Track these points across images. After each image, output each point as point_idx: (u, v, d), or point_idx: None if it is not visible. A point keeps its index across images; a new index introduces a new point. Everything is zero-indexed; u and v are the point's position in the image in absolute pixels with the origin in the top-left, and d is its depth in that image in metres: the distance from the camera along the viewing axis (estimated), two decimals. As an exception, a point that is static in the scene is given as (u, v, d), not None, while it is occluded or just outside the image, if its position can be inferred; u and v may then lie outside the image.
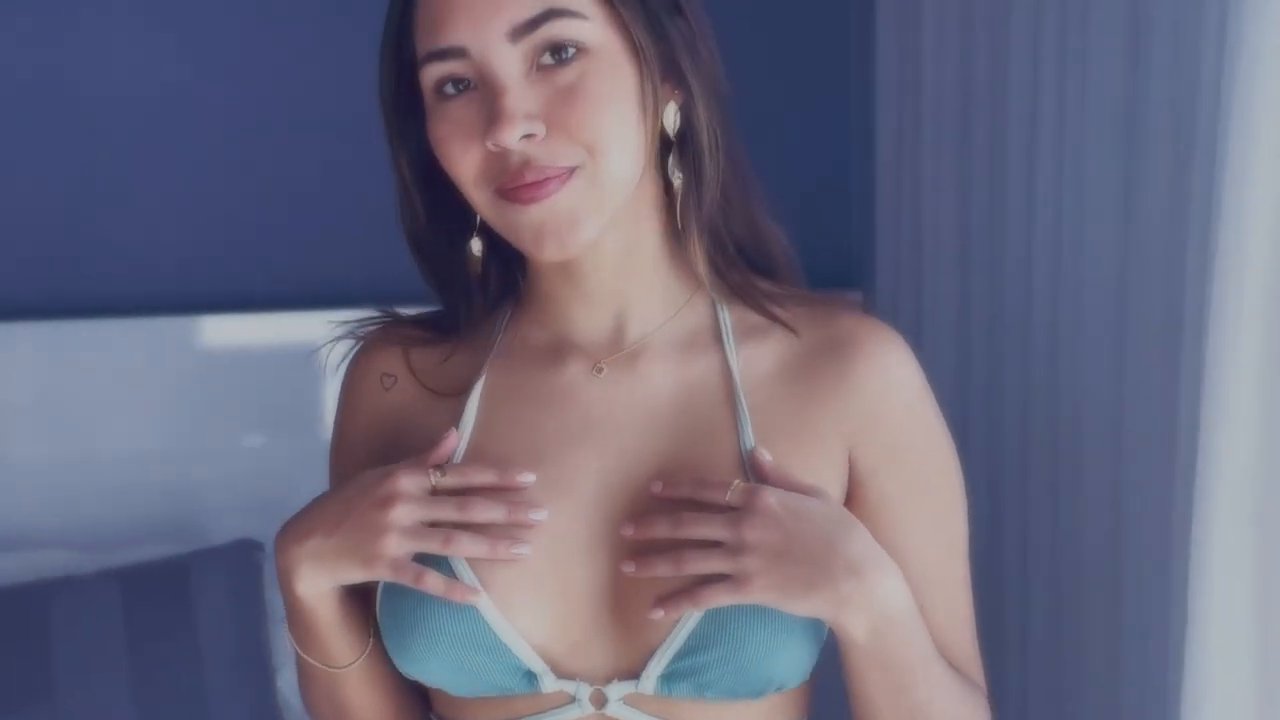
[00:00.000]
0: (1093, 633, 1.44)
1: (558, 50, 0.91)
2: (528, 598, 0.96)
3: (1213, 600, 1.09)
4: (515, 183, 0.91)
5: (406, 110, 0.97)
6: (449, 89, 0.93)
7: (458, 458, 1.00)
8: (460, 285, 1.03)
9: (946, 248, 1.80)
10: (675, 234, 1.00)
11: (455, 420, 1.01)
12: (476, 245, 1.00)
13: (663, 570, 0.92)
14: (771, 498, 0.92)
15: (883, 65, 2.03)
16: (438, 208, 1.00)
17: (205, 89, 2.10)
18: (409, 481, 0.94)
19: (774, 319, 1.00)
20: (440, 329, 1.06)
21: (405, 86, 0.97)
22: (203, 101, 2.10)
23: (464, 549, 0.93)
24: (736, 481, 0.93)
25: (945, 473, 1.02)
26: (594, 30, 0.91)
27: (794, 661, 0.95)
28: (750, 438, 0.97)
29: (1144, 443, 1.32)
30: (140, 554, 1.94)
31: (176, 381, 2.07)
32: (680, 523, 0.93)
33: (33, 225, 2.10)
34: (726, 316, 1.01)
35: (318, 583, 0.96)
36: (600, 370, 1.01)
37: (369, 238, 1.10)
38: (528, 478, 0.96)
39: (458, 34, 0.91)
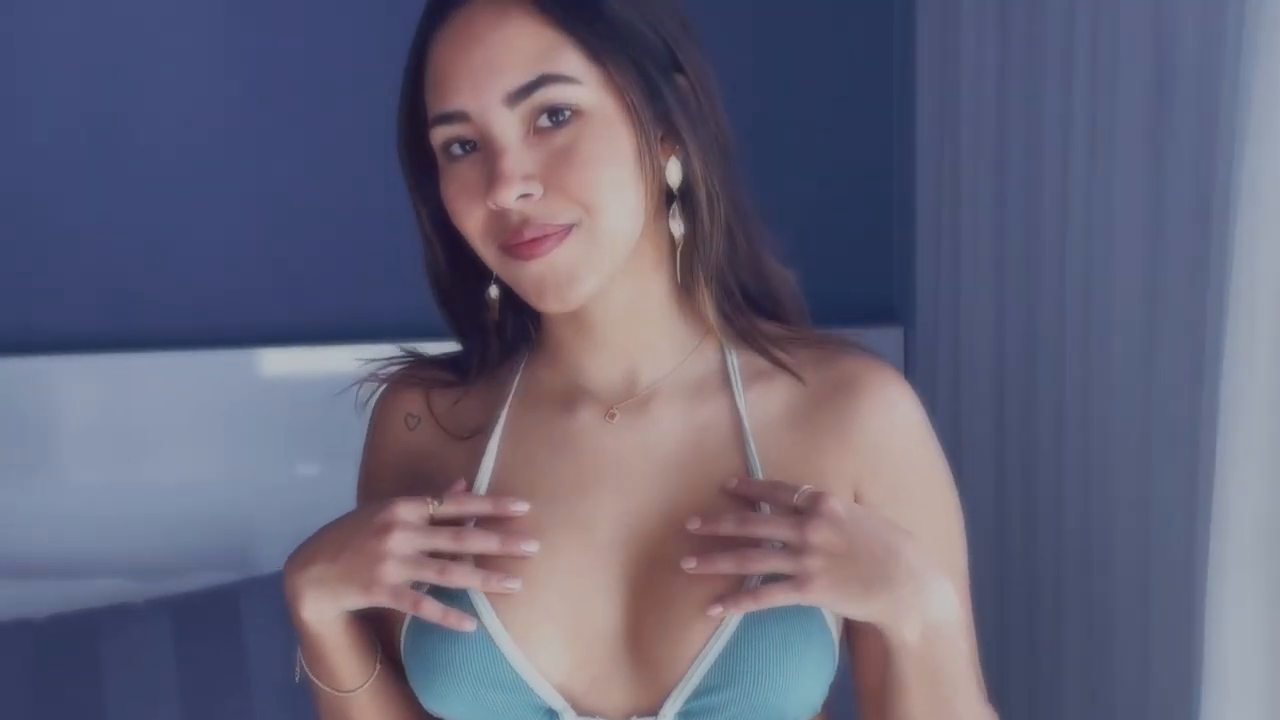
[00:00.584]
0: (1123, 639, 1.48)
1: (554, 113, 0.95)
2: (547, 636, 0.99)
3: (1227, 599, 1.14)
4: (516, 239, 0.95)
5: (423, 167, 1.02)
6: (455, 149, 0.97)
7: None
8: (479, 329, 1.08)
9: (983, 284, 1.88)
10: (683, 282, 1.03)
11: (476, 461, 1.06)
12: (494, 291, 1.04)
13: (725, 567, 0.95)
14: (837, 503, 0.94)
15: (922, 120, 2.13)
16: (457, 256, 1.04)
17: (261, 135, 2.21)
18: (407, 510, 0.98)
19: (779, 364, 1.03)
20: (458, 371, 1.10)
21: (420, 145, 1.01)
22: (258, 147, 2.21)
23: (458, 580, 0.97)
24: (806, 486, 0.96)
25: (945, 508, 1.05)
26: (588, 93, 0.95)
27: (808, 697, 0.99)
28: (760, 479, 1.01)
29: (1170, 462, 1.36)
30: (192, 582, 1.99)
31: (230, 412, 2.13)
32: (747, 521, 0.96)
33: (95, 262, 2.21)
34: (735, 361, 1.05)
35: (322, 608, 1.01)
36: (613, 416, 1.04)
37: (418, 275, 1.14)
38: (521, 507, 1.00)
39: (460, 99, 0.95)
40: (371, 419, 1.13)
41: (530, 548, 0.98)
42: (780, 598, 0.94)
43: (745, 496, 0.99)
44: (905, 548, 0.95)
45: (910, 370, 2.57)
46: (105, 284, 2.21)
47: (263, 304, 2.19)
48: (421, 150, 1.02)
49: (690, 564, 0.96)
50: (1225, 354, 1.15)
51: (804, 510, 0.95)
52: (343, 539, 0.99)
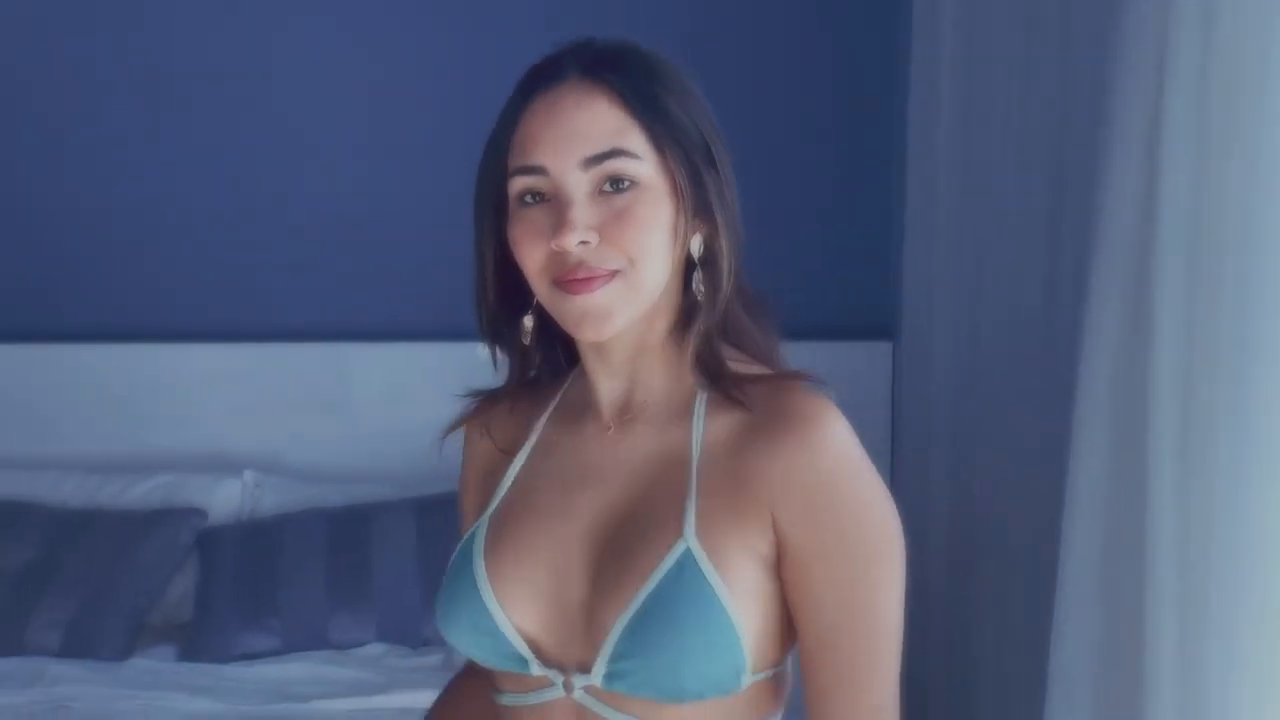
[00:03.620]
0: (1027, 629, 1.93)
1: (617, 181, 1.11)
2: (525, 599, 1.16)
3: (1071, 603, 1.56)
4: (570, 276, 1.10)
5: (494, 211, 1.16)
6: (529, 199, 1.12)
7: (493, 505, 1.22)
8: (517, 354, 1.24)
9: (950, 309, 2.39)
10: (681, 326, 1.17)
11: (509, 466, 1.24)
12: (528, 322, 1.19)
13: None
14: None
15: (912, 165, 2.59)
16: (504, 293, 1.20)
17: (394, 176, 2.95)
18: None
19: (736, 401, 1.13)
20: (509, 395, 1.27)
21: (495, 192, 1.15)
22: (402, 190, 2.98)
23: None
24: None
25: (865, 532, 1.10)
26: (647, 170, 1.11)
27: (707, 676, 1.09)
28: (695, 496, 1.12)
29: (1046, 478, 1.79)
30: (432, 489, 2.79)
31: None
32: None
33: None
34: (703, 395, 1.16)
35: None
36: (609, 429, 1.19)
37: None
38: None
39: (544, 157, 1.11)
40: (464, 436, 1.31)
41: None
42: None
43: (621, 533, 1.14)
44: None
45: (896, 379, 3.02)
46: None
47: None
48: (492, 197, 1.16)
49: None
50: (1078, 380, 1.53)
51: None
52: None
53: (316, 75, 3.09)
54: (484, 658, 1.18)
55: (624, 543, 1.13)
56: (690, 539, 1.10)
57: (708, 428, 1.14)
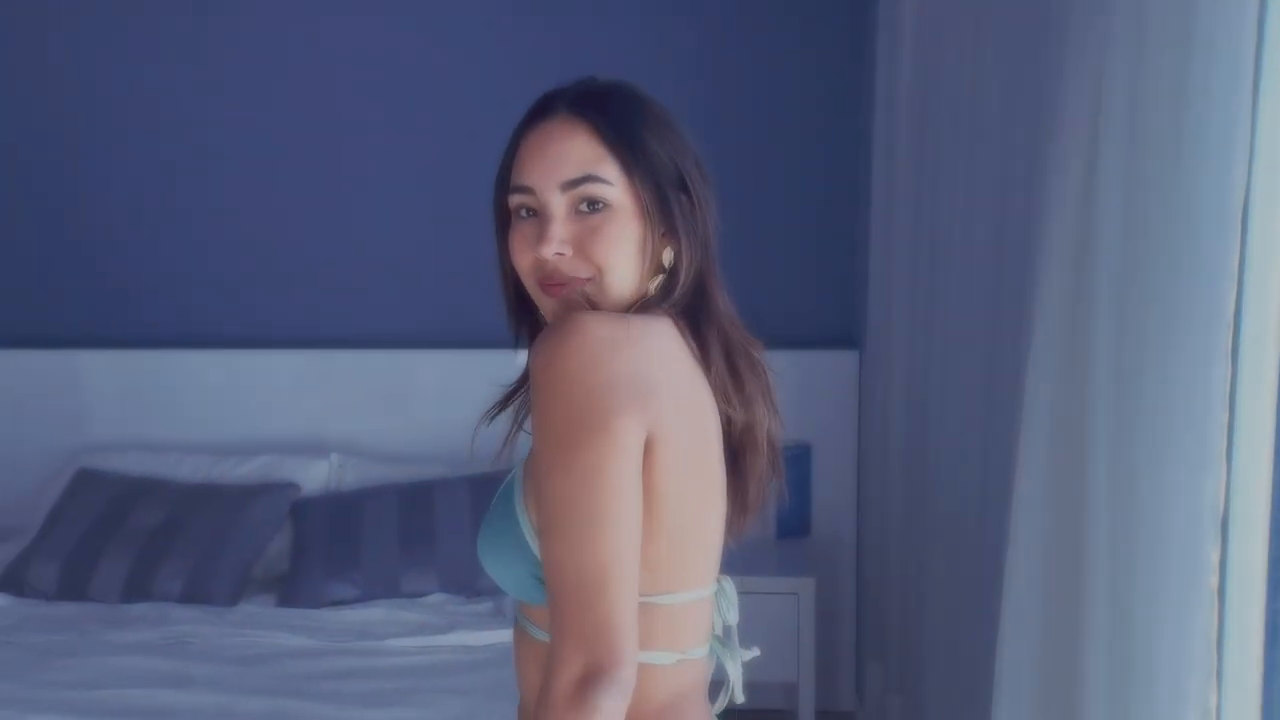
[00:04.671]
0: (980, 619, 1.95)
1: (592, 203, 1.21)
2: None
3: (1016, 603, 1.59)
4: (549, 281, 1.23)
5: (505, 221, 1.28)
6: (523, 213, 1.24)
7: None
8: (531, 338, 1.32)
9: (908, 319, 2.58)
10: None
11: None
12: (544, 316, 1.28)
13: None
14: None
15: (876, 186, 2.77)
16: (522, 291, 1.30)
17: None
18: None
19: None
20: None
21: (503, 206, 1.28)
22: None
23: None
24: None
25: (540, 440, 1.14)
26: (617, 193, 1.22)
27: (508, 576, 1.22)
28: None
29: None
30: (481, 469, 3.10)
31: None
32: None
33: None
34: None
35: None
36: None
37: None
38: None
39: (531, 178, 1.23)
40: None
41: None
42: None
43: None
44: None
45: (862, 384, 3.15)
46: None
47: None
48: (502, 209, 1.28)
49: None
50: (1024, 389, 1.54)
51: None
52: None
53: (379, 103, 3.42)
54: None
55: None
56: (518, 467, 1.24)
57: None
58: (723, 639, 1.33)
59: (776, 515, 3.26)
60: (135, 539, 3.12)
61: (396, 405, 3.53)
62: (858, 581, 3.45)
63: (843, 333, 3.32)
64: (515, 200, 1.25)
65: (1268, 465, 1.35)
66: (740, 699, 1.33)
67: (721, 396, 1.27)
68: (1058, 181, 1.54)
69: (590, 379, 1.11)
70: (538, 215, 1.24)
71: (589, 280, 1.23)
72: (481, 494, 3.15)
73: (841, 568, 3.45)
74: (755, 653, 1.34)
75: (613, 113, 1.24)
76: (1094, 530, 1.48)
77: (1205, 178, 1.31)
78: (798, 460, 3.31)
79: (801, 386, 3.07)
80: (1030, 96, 1.80)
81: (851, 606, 3.48)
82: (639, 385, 1.14)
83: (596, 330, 1.14)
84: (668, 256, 1.26)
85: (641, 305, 1.24)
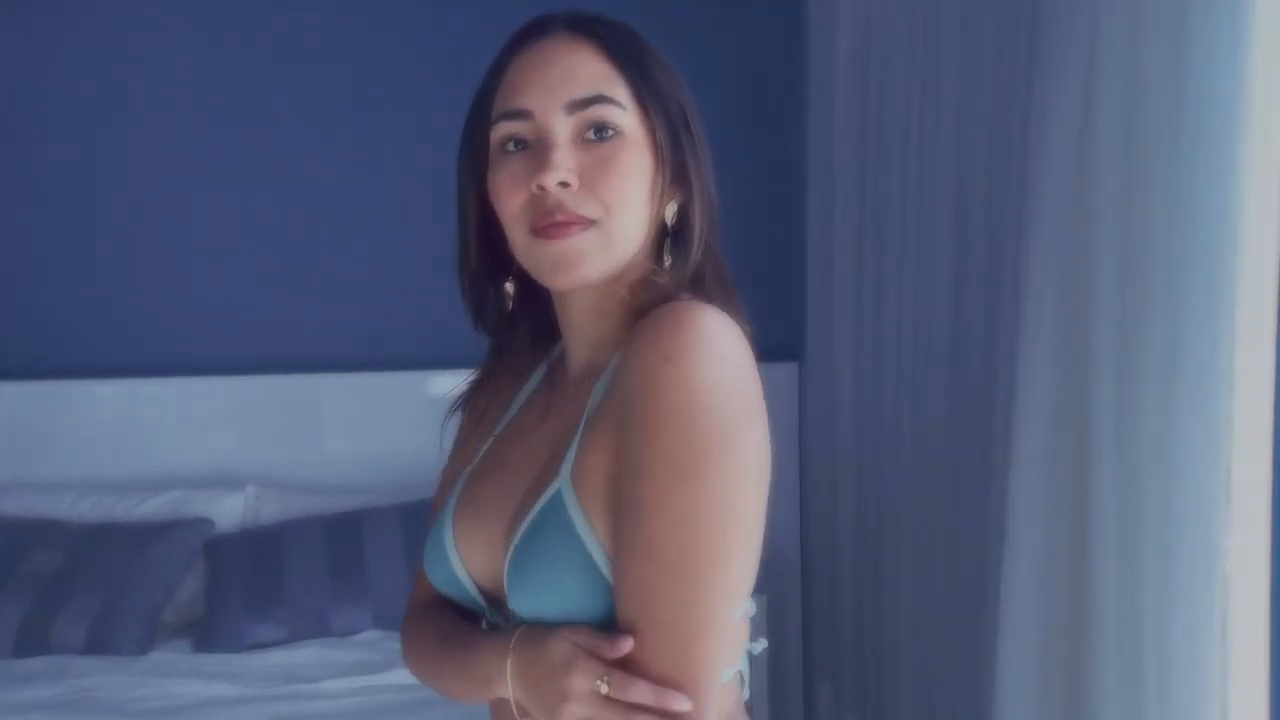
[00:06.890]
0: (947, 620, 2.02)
1: (601, 129, 1.06)
2: (480, 549, 1.14)
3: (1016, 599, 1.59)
4: (546, 221, 1.04)
5: (475, 164, 1.12)
6: (511, 146, 1.08)
7: (470, 466, 1.20)
8: (496, 321, 1.19)
9: (851, 330, 2.60)
10: (634, 295, 1.09)
11: (492, 429, 1.22)
12: (510, 286, 1.15)
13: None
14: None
15: (812, 196, 2.79)
16: (486, 255, 1.15)
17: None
18: (582, 681, 0.99)
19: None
20: (491, 370, 1.24)
21: (478, 144, 1.11)
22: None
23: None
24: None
25: (648, 458, 0.98)
26: (630, 120, 1.07)
27: (567, 609, 1.04)
28: (578, 440, 1.05)
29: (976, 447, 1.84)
30: (414, 495, 3.09)
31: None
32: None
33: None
34: (618, 357, 1.06)
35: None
36: (560, 386, 1.17)
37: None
38: (683, 704, 0.98)
39: (530, 101, 1.07)
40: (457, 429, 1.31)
41: (681, 705, 0.98)
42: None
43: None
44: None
45: (803, 397, 3.13)
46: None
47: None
48: (475, 149, 1.11)
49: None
50: (1016, 391, 1.55)
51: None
52: (535, 676, 1.03)
53: (282, 122, 3.30)
54: (459, 601, 1.18)
55: (535, 493, 1.07)
56: (564, 480, 1.04)
57: (604, 390, 1.07)
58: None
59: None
60: (28, 586, 2.86)
61: (312, 432, 3.38)
62: (803, 599, 3.37)
63: (779, 345, 3.29)
64: (504, 130, 1.09)
65: (1267, 450, 1.36)
66: (746, 695, 1.21)
67: None
68: (1049, 165, 1.52)
69: (718, 390, 0.98)
70: (531, 147, 1.08)
71: (594, 223, 1.06)
72: (414, 522, 3.00)
73: (787, 586, 3.36)
74: (764, 644, 1.22)
75: (619, 34, 1.11)
76: (1100, 529, 1.45)
77: (1200, 172, 1.32)
78: (738, 477, 3.22)
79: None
80: (994, 82, 1.76)
81: (798, 625, 3.38)
82: (759, 390, 1.03)
83: (717, 327, 1.00)
84: (670, 211, 1.11)
85: (657, 288, 1.07)
